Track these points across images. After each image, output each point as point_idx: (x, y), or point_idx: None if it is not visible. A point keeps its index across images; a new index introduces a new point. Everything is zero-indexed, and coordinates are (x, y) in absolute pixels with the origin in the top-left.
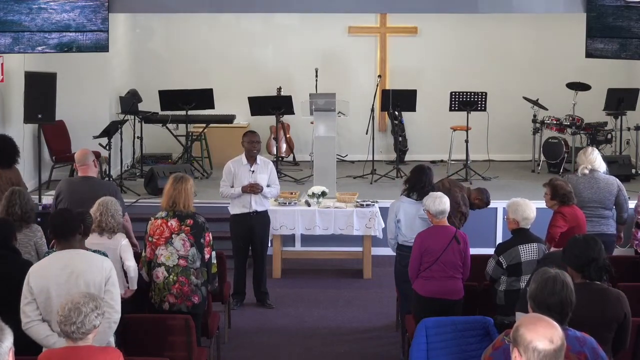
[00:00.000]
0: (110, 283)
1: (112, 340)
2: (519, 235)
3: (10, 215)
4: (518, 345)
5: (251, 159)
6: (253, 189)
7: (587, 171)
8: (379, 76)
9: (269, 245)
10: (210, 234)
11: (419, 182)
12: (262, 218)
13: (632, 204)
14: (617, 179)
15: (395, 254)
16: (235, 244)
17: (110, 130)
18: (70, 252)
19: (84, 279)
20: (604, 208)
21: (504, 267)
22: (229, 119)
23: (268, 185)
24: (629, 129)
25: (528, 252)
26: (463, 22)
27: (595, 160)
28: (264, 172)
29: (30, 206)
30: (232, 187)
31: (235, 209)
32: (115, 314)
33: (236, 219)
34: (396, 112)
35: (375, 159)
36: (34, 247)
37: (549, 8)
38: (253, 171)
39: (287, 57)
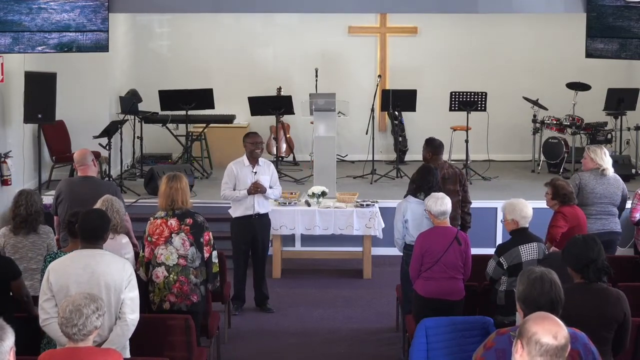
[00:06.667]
0: (130, 286)
1: (127, 344)
2: (519, 235)
3: (15, 216)
4: (522, 338)
5: (253, 160)
6: (258, 188)
7: (609, 172)
8: (379, 76)
9: (269, 245)
10: (210, 234)
11: (426, 183)
12: (264, 220)
13: (628, 204)
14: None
15: (402, 254)
16: (237, 248)
17: (110, 130)
18: (92, 252)
19: (104, 280)
20: (612, 205)
21: (505, 267)
22: (229, 119)
23: (270, 187)
24: (629, 129)
25: (529, 251)
26: (463, 22)
27: (610, 161)
28: (266, 173)
29: (36, 208)
30: (234, 189)
31: (237, 212)
32: (134, 318)
33: (239, 222)
34: (396, 112)
35: (375, 159)
36: (46, 249)
37: (549, 8)
38: (255, 172)
39: (287, 57)
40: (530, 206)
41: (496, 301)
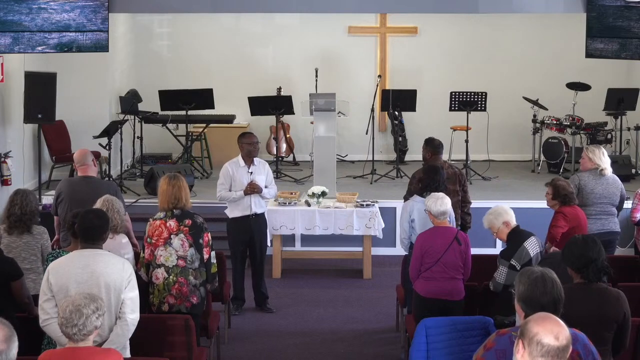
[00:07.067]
0: (130, 286)
1: (127, 344)
2: (518, 234)
3: (10, 215)
4: (523, 338)
5: (249, 160)
6: (254, 189)
7: (607, 172)
8: (379, 76)
9: (269, 245)
10: (209, 234)
11: (433, 182)
12: (260, 220)
13: (628, 204)
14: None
15: (406, 253)
16: (235, 248)
17: (110, 130)
18: (92, 252)
19: (104, 280)
20: (611, 204)
21: (519, 268)
22: (229, 119)
23: (266, 186)
24: (629, 129)
25: (532, 246)
26: (463, 22)
27: (608, 161)
28: (262, 173)
29: (31, 208)
30: (230, 190)
31: (234, 212)
32: (134, 317)
33: (236, 223)
34: (396, 112)
35: (375, 159)
36: (40, 249)
37: (549, 8)
38: (251, 172)
39: (287, 57)
40: None
41: (513, 303)
